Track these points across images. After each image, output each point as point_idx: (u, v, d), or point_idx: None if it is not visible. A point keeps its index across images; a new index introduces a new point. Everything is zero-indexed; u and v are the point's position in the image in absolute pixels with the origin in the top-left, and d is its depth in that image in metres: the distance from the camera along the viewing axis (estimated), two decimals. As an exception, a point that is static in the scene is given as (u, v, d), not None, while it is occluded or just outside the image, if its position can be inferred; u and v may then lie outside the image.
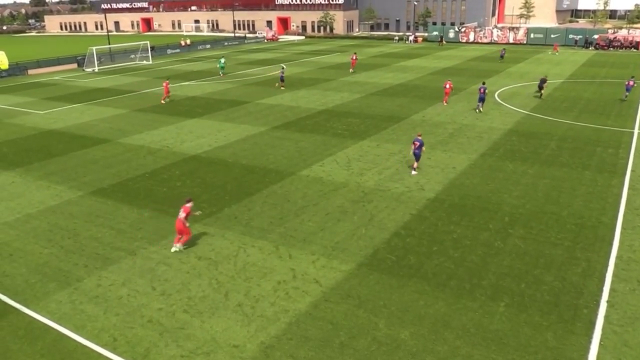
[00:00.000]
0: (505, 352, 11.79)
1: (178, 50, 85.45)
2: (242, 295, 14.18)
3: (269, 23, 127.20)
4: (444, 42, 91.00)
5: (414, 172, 23.43)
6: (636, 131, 30.26)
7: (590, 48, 79.70)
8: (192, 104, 40.58)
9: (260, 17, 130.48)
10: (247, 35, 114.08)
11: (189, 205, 16.38)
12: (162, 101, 41.45)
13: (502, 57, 66.01)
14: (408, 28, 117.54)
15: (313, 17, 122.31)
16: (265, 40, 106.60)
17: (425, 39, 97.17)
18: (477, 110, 35.74)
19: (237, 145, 28.52)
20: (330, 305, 13.60)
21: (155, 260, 16.22)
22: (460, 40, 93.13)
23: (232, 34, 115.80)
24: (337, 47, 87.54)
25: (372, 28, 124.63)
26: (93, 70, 63.80)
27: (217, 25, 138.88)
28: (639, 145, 27.38)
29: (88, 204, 20.84)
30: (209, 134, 31.24)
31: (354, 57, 59.05)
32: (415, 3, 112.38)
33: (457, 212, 19.25)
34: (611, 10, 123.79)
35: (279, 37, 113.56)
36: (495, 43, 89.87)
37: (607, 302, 13.63)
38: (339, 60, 68.66)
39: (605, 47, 78.94)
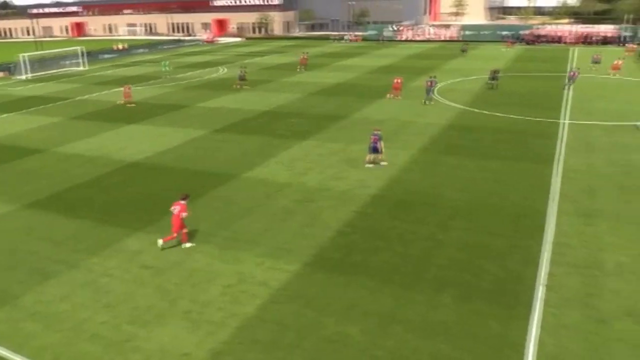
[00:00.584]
0: (452, 341, 12.10)
1: (113, 55, 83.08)
2: (189, 301, 13.96)
3: (206, 25, 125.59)
4: (382, 40, 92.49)
5: (370, 165, 23.97)
6: (565, 122, 31.69)
7: (521, 44, 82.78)
8: (131, 109, 39.56)
9: (197, 20, 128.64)
10: (184, 38, 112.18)
11: (183, 202, 16.60)
12: (121, 103, 41.34)
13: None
14: (346, 27, 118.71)
15: (251, 18, 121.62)
16: (203, 43, 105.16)
17: (363, 38, 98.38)
18: (426, 103, 36.81)
19: (179, 150, 28.03)
20: (278, 307, 13.58)
21: (97, 272, 15.72)
22: (396, 38, 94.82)
23: (169, 37, 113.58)
24: (276, 48, 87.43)
25: (310, 28, 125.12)
26: (24, 77, 61.13)
27: (153, 28, 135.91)
28: (568, 136, 28.70)
29: (24, 218, 19.97)
30: (150, 139, 30.55)
31: (304, 57, 59.75)
32: (352, 3, 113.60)
33: (400, 208, 19.61)
34: (538, 7, 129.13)
35: (217, 39, 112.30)
36: (430, 41, 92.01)
37: (545, 286, 14.22)
38: (278, 61, 68.58)
39: (534, 43, 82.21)
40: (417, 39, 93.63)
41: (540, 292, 13.95)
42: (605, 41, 78.82)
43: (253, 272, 15.33)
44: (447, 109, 36.13)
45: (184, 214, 16.49)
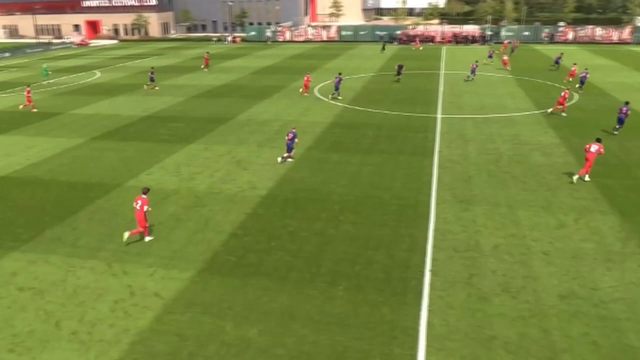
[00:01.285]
0: (348, 332, 12.48)
1: (-31, 61, 75.83)
2: (76, 322, 13.16)
3: (77, 27, 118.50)
4: (268, 42, 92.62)
5: (279, 159, 24.91)
6: (439, 116, 33.74)
7: (395, 43, 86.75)
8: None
9: (66, 21, 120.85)
10: (53, 40, 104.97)
11: (145, 196, 16.84)
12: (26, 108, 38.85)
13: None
14: (225, 29, 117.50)
15: (125, 19, 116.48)
16: (75, 46, 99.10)
17: (243, 39, 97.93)
18: (333, 97, 37.35)
19: (53, 161, 26.24)
20: (174, 317, 13.22)
21: (-34, 298, 14.34)
22: (277, 39, 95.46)
23: (35, 40, 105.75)
24: (154, 50, 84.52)
25: (189, 30, 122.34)
26: None
27: (15, 30, 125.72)
28: (442, 129, 30.58)
29: None
30: (19, 151, 28.28)
31: (206, 56, 60.06)
32: (231, 4, 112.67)
33: (291, 206, 19.84)
34: (409, 8, 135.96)
35: (90, 41, 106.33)
36: (310, 41, 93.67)
37: (431, 271, 15.09)
38: (157, 63, 66.32)
39: (407, 42, 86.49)
40: (298, 39, 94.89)
41: (427, 277, 14.78)
42: (473, 40, 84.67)
43: (144, 284, 14.78)
44: (330, 107, 37.02)
45: (147, 208, 16.74)
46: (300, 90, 42.64)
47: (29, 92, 38.69)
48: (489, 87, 43.89)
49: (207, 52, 63.50)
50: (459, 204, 19.78)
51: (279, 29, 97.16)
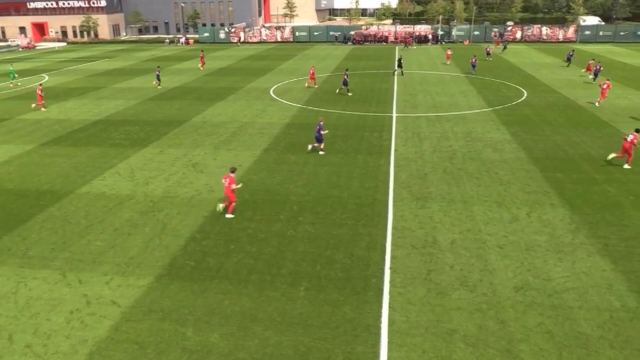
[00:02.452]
0: (310, 332, 12.50)
1: None
2: (29, 334, 12.72)
3: (23, 30, 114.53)
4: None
5: (309, 147, 26.28)
6: (394, 115, 34.17)
7: (349, 43, 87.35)
8: None
9: (10, 24, 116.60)
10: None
11: (233, 175, 18.54)
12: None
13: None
14: (178, 30, 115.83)
15: (74, 21, 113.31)
16: (21, 49, 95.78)
17: (196, 41, 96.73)
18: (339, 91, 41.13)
19: (1, 169, 25.29)
20: (132, 325, 12.94)
21: None
22: (231, 40, 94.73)
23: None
24: (105, 53, 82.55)
25: (140, 32, 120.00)
26: None
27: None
28: (398, 128, 30.99)
29: None
30: (-38, 159, 27.15)
31: (202, 55, 61.41)
32: (183, 5, 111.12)
33: (249, 208, 19.72)
34: (363, 9, 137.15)
35: (36, 44, 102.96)
36: (265, 42, 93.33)
37: (390, 268, 15.26)
38: (107, 66, 64.81)
39: (361, 42, 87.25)
40: (252, 40, 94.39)
41: (386, 275, 14.95)
42: (426, 39, 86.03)
43: (101, 292, 14.42)
44: (286, 108, 36.99)
45: (234, 186, 18.38)
46: (306, 84, 45.34)
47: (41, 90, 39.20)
48: (442, 86, 44.73)
49: (202, 50, 64.87)
50: (415, 202, 20.08)
51: (233, 30, 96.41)
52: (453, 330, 12.50)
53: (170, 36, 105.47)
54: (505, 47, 71.73)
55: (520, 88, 43.11)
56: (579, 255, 15.94)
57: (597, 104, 36.17)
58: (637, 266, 15.25)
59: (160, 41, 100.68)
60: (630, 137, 23.21)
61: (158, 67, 51.69)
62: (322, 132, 25.90)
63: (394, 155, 25.68)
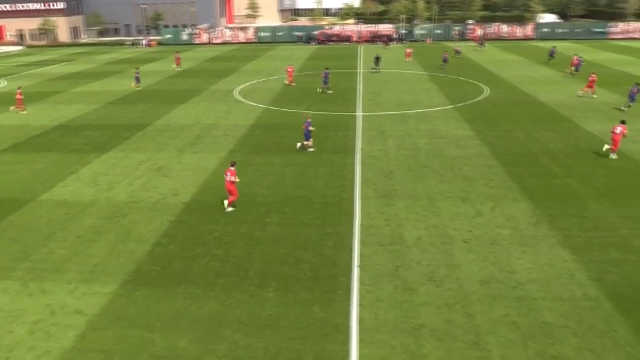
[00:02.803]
0: (280, 333, 12.48)
1: None
2: (-11, 347, 12.36)
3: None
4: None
5: (298, 145, 26.59)
6: (360, 114, 34.37)
7: (313, 43, 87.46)
8: None
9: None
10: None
11: (233, 168, 19.25)
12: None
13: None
14: (140, 32, 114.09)
15: (31, 24, 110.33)
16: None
17: (159, 43, 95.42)
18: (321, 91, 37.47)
19: (-45, 178, 24.48)
20: (99, 334, 12.70)
21: None
22: (194, 42, 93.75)
23: None
24: (64, 57, 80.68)
25: (101, 34, 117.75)
26: None
27: None
28: (363, 127, 31.18)
29: None
30: None
31: (178, 56, 61.04)
32: (144, 6, 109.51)
33: (216, 211, 19.56)
34: (326, 9, 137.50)
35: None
36: (229, 43, 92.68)
37: (358, 267, 15.35)
38: (67, 70, 63.35)
39: (325, 42, 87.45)
40: (215, 42, 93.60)
41: (355, 273, 15.03)
42: (389, 39, 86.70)
43: (65, 302, 14.10)
44: (250, 109, 36.82)
45: (234, 178, 19.06)
46: (285, 82, 46.33)
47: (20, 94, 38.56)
48: (406, 85, 45.19)
49: (178, 52, 64.21)
50: (382, 199, 20.24)
51: (196, 31, 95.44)
52: (421, 326, 12.65)
53: (132, 39, 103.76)
54: (482, 45, 73.12)
55: (482, 85, 43.87)
56: (541, 247, 16.31)
57: (580, 92, 38.60)
58: (596, 256, 15.70)
59: (122, 44, 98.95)
60: (619, 130, 24.14)
61: (137, 68, 51.00)
62: (310, 130, 26.21)
63: (359, 154, 25.84)
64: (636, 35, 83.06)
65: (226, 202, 19.59)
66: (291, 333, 12.50)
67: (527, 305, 13.40)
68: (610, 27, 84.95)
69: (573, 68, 48.82)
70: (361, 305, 13.50)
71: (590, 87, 38.24)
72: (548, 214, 18.69)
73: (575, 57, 49.91)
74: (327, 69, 43.96)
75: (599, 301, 13.49)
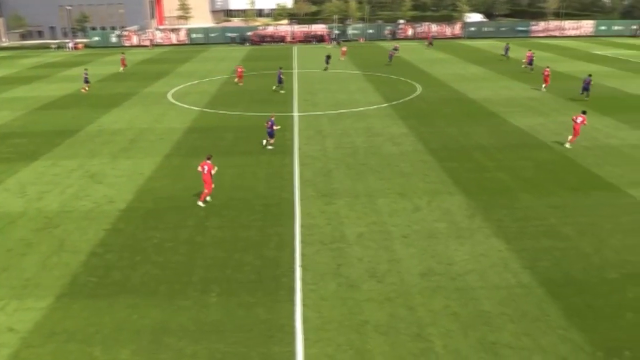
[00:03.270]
0: (225, 338, 12.37)
1: None
2: None
3: None
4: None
5: (264, 142, 27.17)
6: (296, 114, 34.48)
7: (246, 44, 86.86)
8: None
9: None
10: None
11: (209, 161, 19.66)
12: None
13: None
14: (65, 35, 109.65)
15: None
16: None
17: (86, 45, 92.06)
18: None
19: None
20: (34, 351, 12.16)
21: None
22: (123, 44, 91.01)
23: None
24: (-17, 61, 76.38)
25: (23, 37, 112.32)
26: None
27: None
28: (300, 127, 31.30)
29: None
30: None
31: (123, 58, 59.57)
32: (69, 8, 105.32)
33: (153, 217, 19.13)
34: (259, 9, 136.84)
35: None
36: (160, 45, 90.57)
37: (301, 266, 15.42)
38: (-13, 75, 60.02)
39: (259, 43, 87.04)
40: (145, 44, 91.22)
41: (297, 273, 15.09)
42: (321, 39, 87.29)
43: (-6, 318, 13.42)
44: (186, 112, 36.18)
45: (214, 170, 19.58)
46: (236, 80, 46.54)
47: None
48: (341, 84, 45.69)
49: (123, 53, 62.12)
50: (322, 198, 20.40)
51: (125, 33, 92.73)
52: (365, 321, 12.86)
53: (57, 41, 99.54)
54: (431, 43, 75.25)
55: (415, 83, 44.98)
56: (476, 238, 16.94)
57: (544, 88, 40.57)
58: (528, 244, 16.46)
59: (47, 47, 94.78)
60: (579, 119, 25.66)
61: (86, 69, 49.01)
62: (274, 128, 26.38)
63: (297, 154, 25.93)
64: (556, 33, 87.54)
65: (201, 203, 19.90)
66: (236, 337, 12.41)
67: (465, 295, 13.88)
68: (533, 25, 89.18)
69: (525, 61, 51.38)
70: (305, 305, 13.57)
71: (546, 81, 40.64)
72: (481, 206, 19.41)
73: (529, 53, 52.25)
74: (281, 68, 44.39)
75: (532, 287, 14.15)
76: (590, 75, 37.17)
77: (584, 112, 26.18)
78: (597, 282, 14.43)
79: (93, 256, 16.42)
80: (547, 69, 41.34)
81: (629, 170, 22.88)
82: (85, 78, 46.54)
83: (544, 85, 40.69)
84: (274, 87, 43.10)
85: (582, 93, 36.73)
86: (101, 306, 13.77)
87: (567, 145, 25.88)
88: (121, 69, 58.76)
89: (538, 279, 14.56)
